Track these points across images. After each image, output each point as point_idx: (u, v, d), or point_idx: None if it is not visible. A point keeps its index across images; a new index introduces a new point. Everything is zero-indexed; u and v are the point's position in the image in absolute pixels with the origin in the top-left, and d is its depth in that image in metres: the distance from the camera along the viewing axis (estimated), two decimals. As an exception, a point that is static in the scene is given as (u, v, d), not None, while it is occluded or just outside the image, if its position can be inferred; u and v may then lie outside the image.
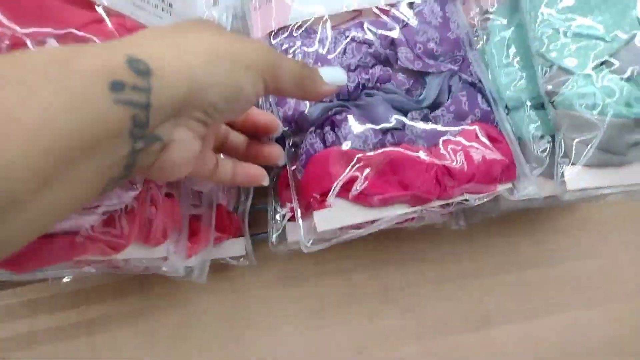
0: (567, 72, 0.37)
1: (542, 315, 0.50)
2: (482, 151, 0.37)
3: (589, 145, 0.37)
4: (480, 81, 0.41)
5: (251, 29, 0.44)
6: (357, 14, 0.42)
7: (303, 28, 0.41)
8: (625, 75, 0.37)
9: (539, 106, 0.41)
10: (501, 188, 0.39)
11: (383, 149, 0.37)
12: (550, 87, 0.38)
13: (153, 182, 0.36)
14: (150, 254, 0.37)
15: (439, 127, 0.38)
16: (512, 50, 0.43)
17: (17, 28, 0.30)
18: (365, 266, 0.51)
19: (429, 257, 0.51)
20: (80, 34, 0.32)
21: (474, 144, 0.37)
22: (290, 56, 0.40)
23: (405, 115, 0.39)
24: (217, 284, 0.50)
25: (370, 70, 0.40)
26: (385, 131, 0.38)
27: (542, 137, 0.41)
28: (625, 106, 0.37)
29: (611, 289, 0.52)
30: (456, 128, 0.38)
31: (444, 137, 0.38)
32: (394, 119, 0.38)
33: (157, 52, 0.24)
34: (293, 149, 0.40)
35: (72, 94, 0.20)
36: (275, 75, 0.29)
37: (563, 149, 0.38)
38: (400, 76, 0.40)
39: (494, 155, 0.37)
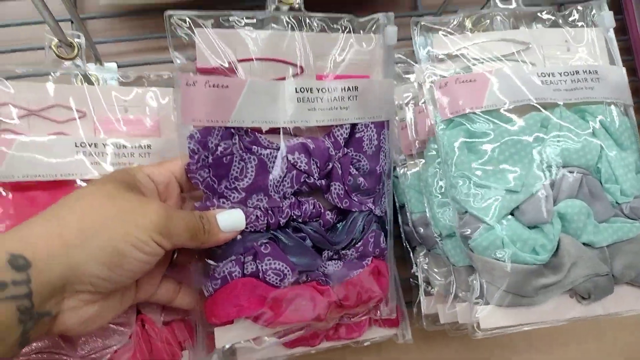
0: (479, 219, 0.41)
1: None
2: (369, 288, 0.42)
3: (499, 288, 0.40)
4: (385, 213, 0.45)
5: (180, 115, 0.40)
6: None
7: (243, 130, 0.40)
8: (531, 224, 0.40)
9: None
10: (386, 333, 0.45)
11: (295, 287, 0.40)
12: (464, 232, 0.41)
13: (146, 318, 0.40)
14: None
15: (345, 269, 0.42)
16: (444, 182, 0.46)
17: None
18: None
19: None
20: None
21: (365, 283, 0.42)
22: (225, 160, 0.39)
23: (321, 252, 0.42)
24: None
25: (303, 207, 0.41)
26: (300, 271, 0.41)
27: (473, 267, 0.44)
28: (532, 253, 0.40)
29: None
30: (357, 271, 0.42)
31: (348, 277, 0.42)
32: (312, 260, 0.41)
33: (36, 240, 0.28)
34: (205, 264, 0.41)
35: None
36: (169, 233, 0.33)
37: (478, 290, 0.41)
38: (328, 215, 0.43)
39: (376, 292, 0.42)
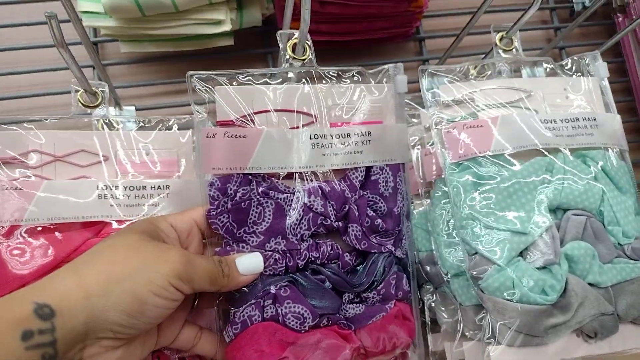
0: (489, 260, 0.42)
1: None
2: (394, 334, 0.42)
3: (510, 328, 0.41)
4: (407, 255, 0.46)
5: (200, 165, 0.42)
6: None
7: (260, 176, 0.42)
8: (540, 265, 0.42)
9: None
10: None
11: (316, 331, 0.40)
12: (474, 272, 0.43)
13: (162, 353, 0.41)
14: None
15: (367, 313, 0.42)
16: (451, 222, 0.48)
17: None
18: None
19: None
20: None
21: (389, 328, 0.42)
22: (243, 205, 0.41)
23: (341, 295, 0.43)
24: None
25: (321, 249, 0.43)
26: (321, 314, 0.41)
27: (482, 305, 0.45)
28: (541, 293, 0.41)
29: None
30: (380, 314, 0.43)
31: (370, 322, 0.42)
32: (333, 303, 0.42)
33: (61, 291, 0.30)
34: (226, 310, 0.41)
35: None
36: (189, 278, 0.34)
37: (490, 330, 0.42)
38: (347, 257, 0.44)
39: (402, 338, 0.43)
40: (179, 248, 0.37)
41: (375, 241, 0.44)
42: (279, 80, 0.45)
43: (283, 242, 0.41)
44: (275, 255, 0.40)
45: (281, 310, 0.39)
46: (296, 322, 0.39)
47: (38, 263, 0.38)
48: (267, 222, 0.41)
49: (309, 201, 0.42)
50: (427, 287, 0.54)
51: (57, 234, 0.39)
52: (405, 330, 0.43)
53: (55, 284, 0.30)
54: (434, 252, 0.50)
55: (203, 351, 0.41)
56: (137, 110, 0.50)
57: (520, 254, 0.43)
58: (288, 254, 0.41)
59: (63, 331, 0.29)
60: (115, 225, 0.41)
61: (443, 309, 0.51)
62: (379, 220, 0.44)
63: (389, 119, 0.47)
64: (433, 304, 0.53)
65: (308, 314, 0.40)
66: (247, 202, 0.41)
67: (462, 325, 0.46)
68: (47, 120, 0.42)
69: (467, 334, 0.46)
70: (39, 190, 0.39)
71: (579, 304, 0.41)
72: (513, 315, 0.41)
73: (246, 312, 0.39)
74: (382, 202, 0.45)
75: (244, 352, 0.38)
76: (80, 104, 0.45)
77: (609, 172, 0.46)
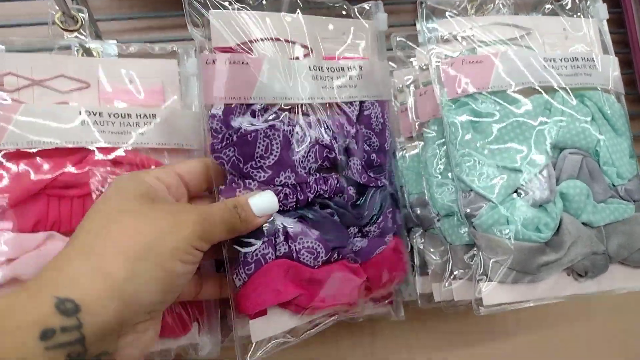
0: (484, 198, 0.42)
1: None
2: (393, 267, 0.43)
3: (504, 266, 0.41)
4: (396, 192, 0.46)
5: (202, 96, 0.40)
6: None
7: (263, 108, 0.40)
8: (535, 203, 0.41)
9: (468, 216, 0.45)
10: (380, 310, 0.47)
11: (328, 266, 0.40)
12: (468, 210, 0.42)
13: None
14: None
15: (370, 244, 0.43)
16: (443, 163, 0.47)
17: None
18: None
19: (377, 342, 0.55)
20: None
21: (389, 262, 0.43)
22: (249, 137, 0.38)
23: (348, 228, 0.43)
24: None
25: (329, 182, 0.41)
26: (333, 248, 0.41)
27: (471, 244, 0.45)
28: (535, 231, 0.41)
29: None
30: (381, 247, 0.43)
31: (373, 255, 0.43)
32: (343, 236, 0.41)
33: (82, 280, 0.26)
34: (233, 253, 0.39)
35: (4, 353, 0.23)
36: (210, 235, 0.32)
37: (482, 267, 0.42)
38: (351, 190, 0.43)
39: (400, 271, 0.44)
40: (187, 205, 0.35)
41: (372, 175, 0.43)
42: (274, 9, 0.43)
43: (293, 175, 0.39)
44: (285, 190, 0.39)
45: (294, 246, 0.38)
46: (310, 257, 0.39)
47: (17, 191, 0.36)
48: (275, 156, 0.39)
49: (315, 133, 0.41)
50: (416, 230, 0.53)
51: (37, 159, 0.37)
52: (401, 263, 0.43)
53: (73, 274, 0.27)
54: (425, 193, 0.49)
55: (207, 296, 0.39)
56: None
57: (516, 192, 0.42)
58: (298, 188, 0.39)
59: (92, 326, 0.25)
60: (97, 154, 0.39)
61: (432, 250, 0.51)
62: (374, 155, 0.43)
63: (373, 57, 0.46)
64: (422, 247, 0.52)
65: (321, 248, 0.39)
66: (253, 134, 0.38)
67: (450, 264, 0.46)
68: (19, 44, 0.39)
69: (455, 272, 0.46)
70: (16, 113, 0.36)
71: (571, 243, 0.41)
72: (506, 252, 0.41)
73: (259, 252, 0.37)
74: (375, 137, 0.44)
75: (259, 293, 0.37)
76: (58, 28, 0.42)
77: (606, 113, 0.45)
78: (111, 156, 0.40)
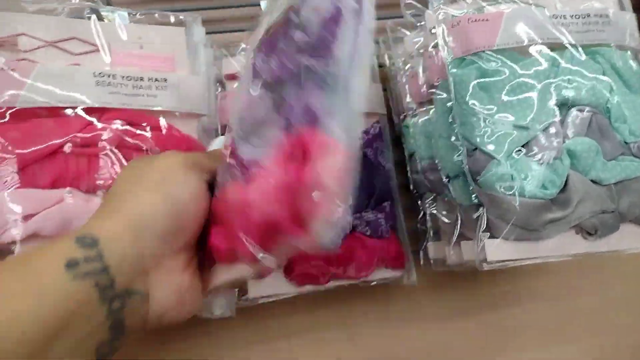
0: (488, 155, 0.41)
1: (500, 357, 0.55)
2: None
3: (508, 223, 0.41)
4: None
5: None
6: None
7: None
8: (541, 160, 0.41)
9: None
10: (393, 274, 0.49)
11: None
12: (473, 168, 0.42)
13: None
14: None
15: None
16: (452, 124, 0.47)
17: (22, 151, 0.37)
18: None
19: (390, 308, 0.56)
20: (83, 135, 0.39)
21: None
22: None
23: None
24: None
25: None
26: None
27: (481, 204, 0.45)
28: (541, 188, 0.41)
29: (567, 330, 0.56)
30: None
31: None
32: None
33: (101, 222, 0.28)
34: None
35: (37, 288, 0.24)
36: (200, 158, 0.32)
37: (485, 224, 0.42)
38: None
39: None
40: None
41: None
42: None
43: None
44: None
45: None
46: None
47: (34, 148, 0.38)
48: None
49: None
50: (428, 195, 0.53)
51: (53, 119, 0.39)
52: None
53: (96, 218, 0.29)
54: (435, 156, 0.49)
55: None
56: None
57: (521, 150, 0.42)
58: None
59: (114, 256, 0.26)
60: (111, 114, 0.41)
61: (444, 213, 0.51)
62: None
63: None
64: (434, 211, 0.53)
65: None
66: None
67: (460, 224, 0.46)
68: (30, 7, 0.40)
69: (465, 233, 0.46)
70: (31, 73, 0.38)
71: (579, 200, 0.41)
72: (510, 209, 0.40)
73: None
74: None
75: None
76: (70, -7, 0.43)
77: (619, 69, 0.44)
78: (124, 117, 0.41)
